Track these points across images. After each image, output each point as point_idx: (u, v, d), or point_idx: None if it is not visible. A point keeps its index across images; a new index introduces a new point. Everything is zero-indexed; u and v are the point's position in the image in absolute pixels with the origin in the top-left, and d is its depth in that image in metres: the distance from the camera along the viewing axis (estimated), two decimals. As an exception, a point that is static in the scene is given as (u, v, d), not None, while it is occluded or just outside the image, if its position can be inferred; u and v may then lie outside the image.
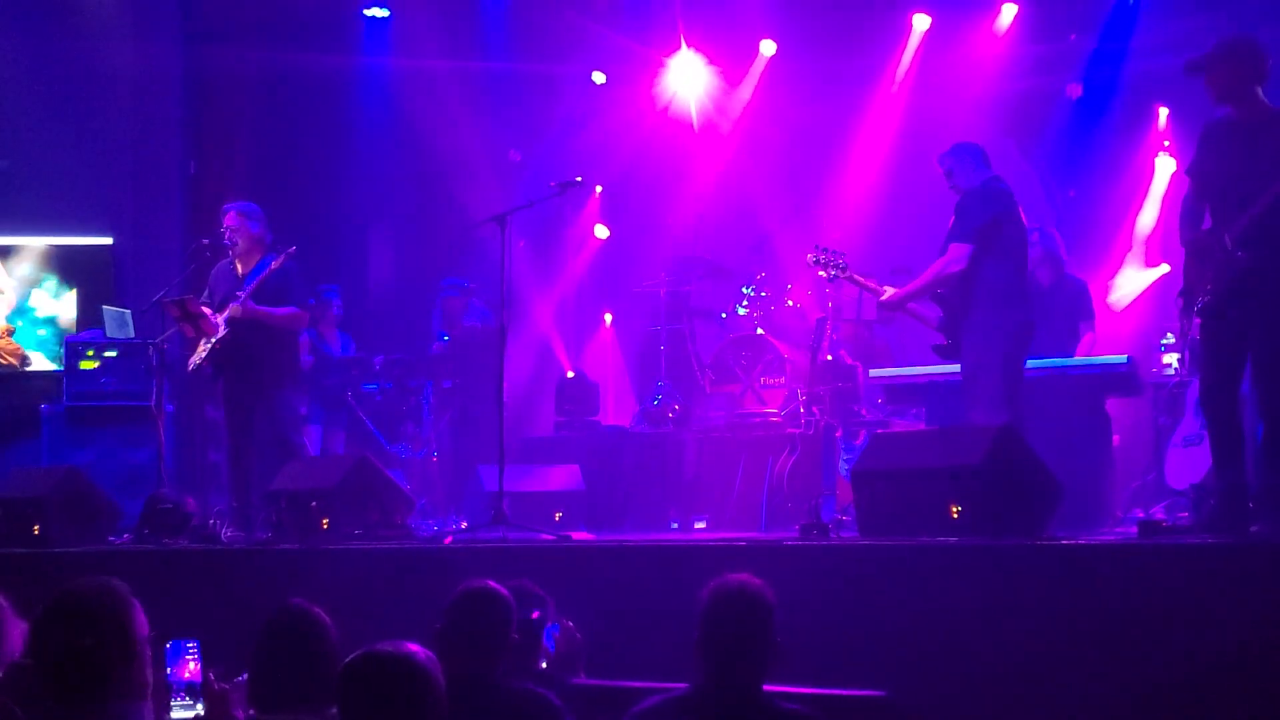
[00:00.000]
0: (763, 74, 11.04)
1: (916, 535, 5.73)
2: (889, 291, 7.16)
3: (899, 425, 8.56)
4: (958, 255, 6.86)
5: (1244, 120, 5.92)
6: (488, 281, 9.71)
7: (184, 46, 10.81)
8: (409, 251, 11.35)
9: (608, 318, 11.15)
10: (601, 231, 11.46)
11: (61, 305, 10.56)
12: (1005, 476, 5.74)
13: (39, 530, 7.45)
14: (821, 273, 7.43)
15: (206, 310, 8.06)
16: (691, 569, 5.70)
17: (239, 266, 8.19)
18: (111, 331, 9.46)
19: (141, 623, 3.32)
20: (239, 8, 10.71)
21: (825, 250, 7.44)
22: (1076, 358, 8.08)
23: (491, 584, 4.49)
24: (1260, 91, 5.95)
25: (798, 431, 8.59)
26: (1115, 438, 7.95)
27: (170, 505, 7.75)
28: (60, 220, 10.54)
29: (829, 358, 8.92)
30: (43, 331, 10.53)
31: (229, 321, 7.98)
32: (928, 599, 5.34)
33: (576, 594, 5.84)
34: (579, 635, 5.09)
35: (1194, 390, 7.80)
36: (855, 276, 7.33)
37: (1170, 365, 8.56)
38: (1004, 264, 6.88)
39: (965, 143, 7.22)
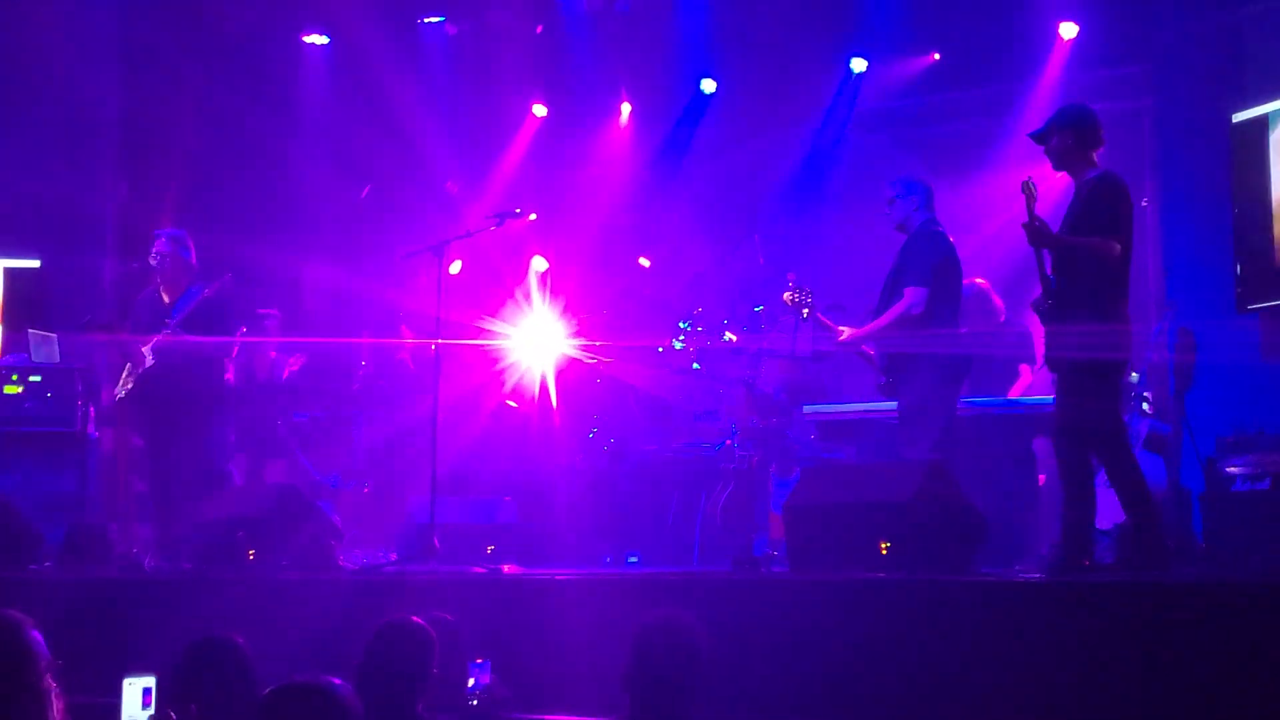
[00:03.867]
0: (702, 112, 11.11)
1: (846, 570, 5.76)
2: (846, 332, 7.18)
3: (829, 461, 8.60)
4: (917, 299, 6.95)
5: (1076, 184, 6.19)
6: (420, 311, 9.72)
7: (120, 68, 10.70)
8: (344, 279, 11.27)
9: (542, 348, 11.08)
10: (539, 264, 11.44)
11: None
12: (933, 513, 5.81)
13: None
14: (790, 303, 7.34)
15: (133, 338, 7.96)
16: (623, 602, 5.72)
17: (165, 295, 8.10)
18: (37, 356, 9.30)
19: (41, 654, 3.28)
20: (177, 31, 10.62)
21: (798, 287, 7.37)
22: (1010, 397, 8.16)
23: (414, 618, 4.46)
24: (1094, 157, 6.15)
25: (731, 466, 8.60)
26: (1041, 477, 8.03)
27: (92, 532, 7.62)
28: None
29: (764, 393, 8.95)
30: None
31: (155, 350, 7.87)
32: (857, 633, 5.38)
33: (508, 627, 5.83)
34: (505, 690, 5.06)
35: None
36: (819, 315, 7.32)
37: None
38: (944, 307, 6.98)
39: (917, 180, 7.29)
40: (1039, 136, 6.32)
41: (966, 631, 5.18)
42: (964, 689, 5.09)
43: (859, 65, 10.67)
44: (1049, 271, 6.08)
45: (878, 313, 7.18)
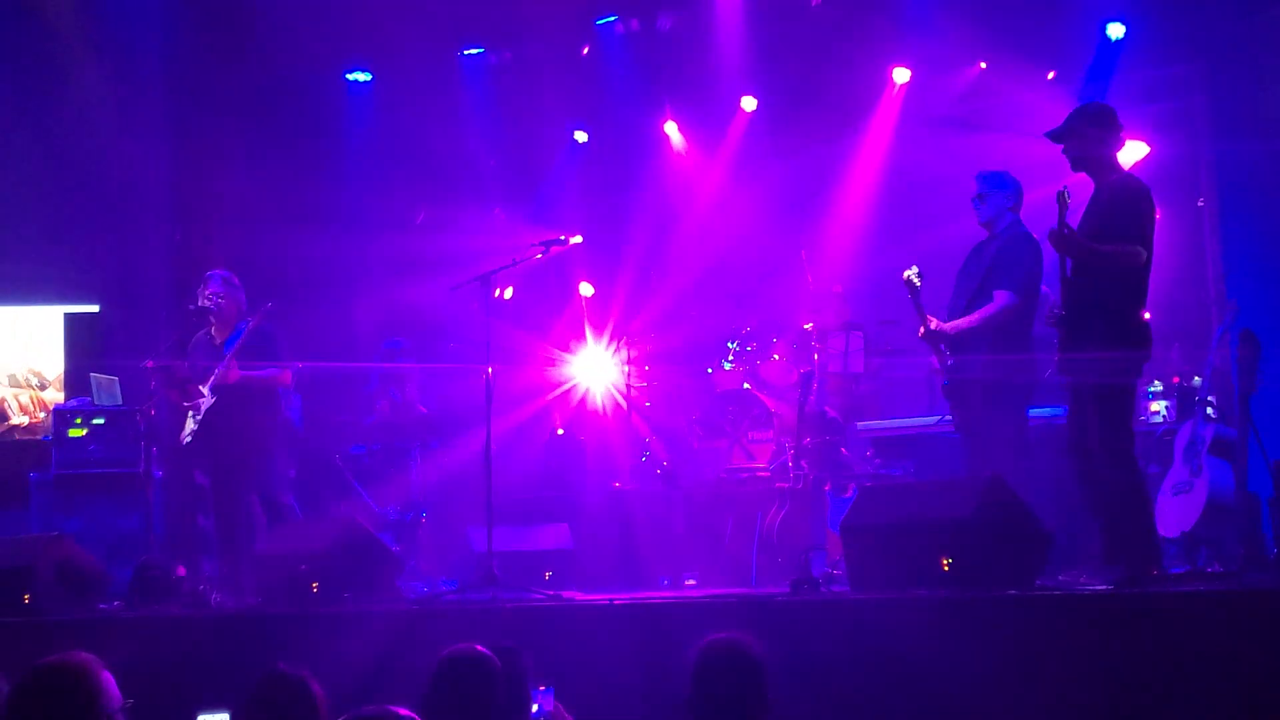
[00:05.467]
0: (744, 130, 11.12)
1: (908, 589, 5.72)
2: (935, 322, 7.04)
3: (888, 478, 8.56)
4: (1008, 304, 6.89)
5: (1096, 187, 6.15)
6: (470, 341, 9.77)
7: (169, 115, 10.85)
8: (394, 312, 11.34)
9: (593, 373, 11.12)
10: (586, 289, 11.49)
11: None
12: (996, 528, 5.76)
13: (29, 599, 7.38)
14: (910, 281, 7.13)
15: (192, 378, 8.07)
16: (682, 626, 5.72)
17: (216, 336, 8.20)
18: (99, 399, 9.44)
19: (112, 695, 3.34)
20: (223, 75, 10.76)
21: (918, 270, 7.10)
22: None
23: (477, 647, 4.48)
24: (1115, 158, 6.11)
25: (786, 486, 8.58)
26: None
27: (159, 571, 7.72)
28: (49, 289, 10.52)
29: (816, 411, 8.93)
30: None
31: (214, 389, 7.97)
32: (920, 652, 5.34)
33: (568, 653, 5.84)
34: (567, 717, 5.07)
35: (1182, 437, 7.83)
36: (919, 300, 7.08)
37: (1158, 413, 8.59)
38: (1027, 316, 6.93)
39: (1008, 176, 7.21)
40: (1056, 135, 6.26)
41: (1034, 648, 5.14)
42: (1032, 707, 5.04)
43: (902, 76, 10.63)
44: (1069, 274, 6.04)
45: (955, 312, 7.11)
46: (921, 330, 7.07)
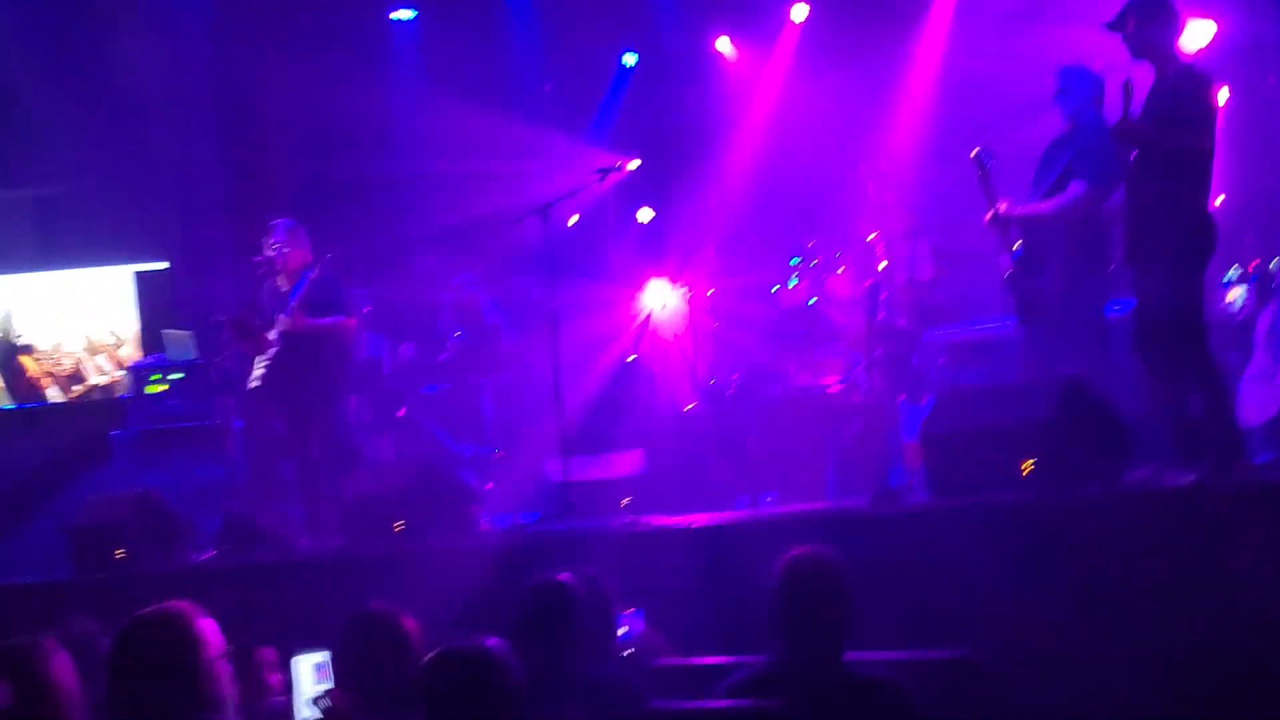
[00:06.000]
0: (797, 39, 10.95)
1: (988, 494, 5.68)
2: (1004, 205, 6.86)
3: (963, 384, 8.48)
4: (1085, 194, 6.70)
5: (1157, 76, 5.99)
6: (533, 270, 9.76)
7: (224, 69, 10.88)
8: (450, 249, 11.36)
9: (658, 298, 11.09)
10: (644, 214, 11.42)
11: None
12: (1077, 428, 5.68)
13: (122, 553, 7.56)
14: (978, 159, 6.95)
15: (261, 327, 8.14)
16: (762, 543, 5.70)
17: (282, 285, 8.27)
18: (174, 354, 9.56)
19: (213, 641, 3.39)
20: (265, 20, 10.75)
21: (987, 148, 6.93)
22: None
23: (560, 575, 4.52)
24: (1175, 46, 5.93)
25: (859, 399, 8.54)
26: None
27: (245, 519, 7.85)
28: (119, 248, 10.65)
29: (886, 322, 8.84)
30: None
31: (281, 335, 8.04)
32: (1003, 557, 5.31)
33: (651, 577, 5.87)
34: (658, 637, 5.11)
35: (1263, 323, 7.67)
36: (989, 182, 6.91)
37: (1234, 301, 8.43)
38: (1100, 214, 6.78)
39: (1090, 70, 6.98)
40: (1115, 24, 6.09)
41: (1120, 547, 5.09)
42: (1122, 606, 5.00)
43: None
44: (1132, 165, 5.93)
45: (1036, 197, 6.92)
46: (990, 214, 6.91)
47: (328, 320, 8.10)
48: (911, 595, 5.36)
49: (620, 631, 4.95)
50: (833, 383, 9.05)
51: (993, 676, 4.80)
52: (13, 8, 10.50)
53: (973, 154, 6.84)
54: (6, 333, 10.70)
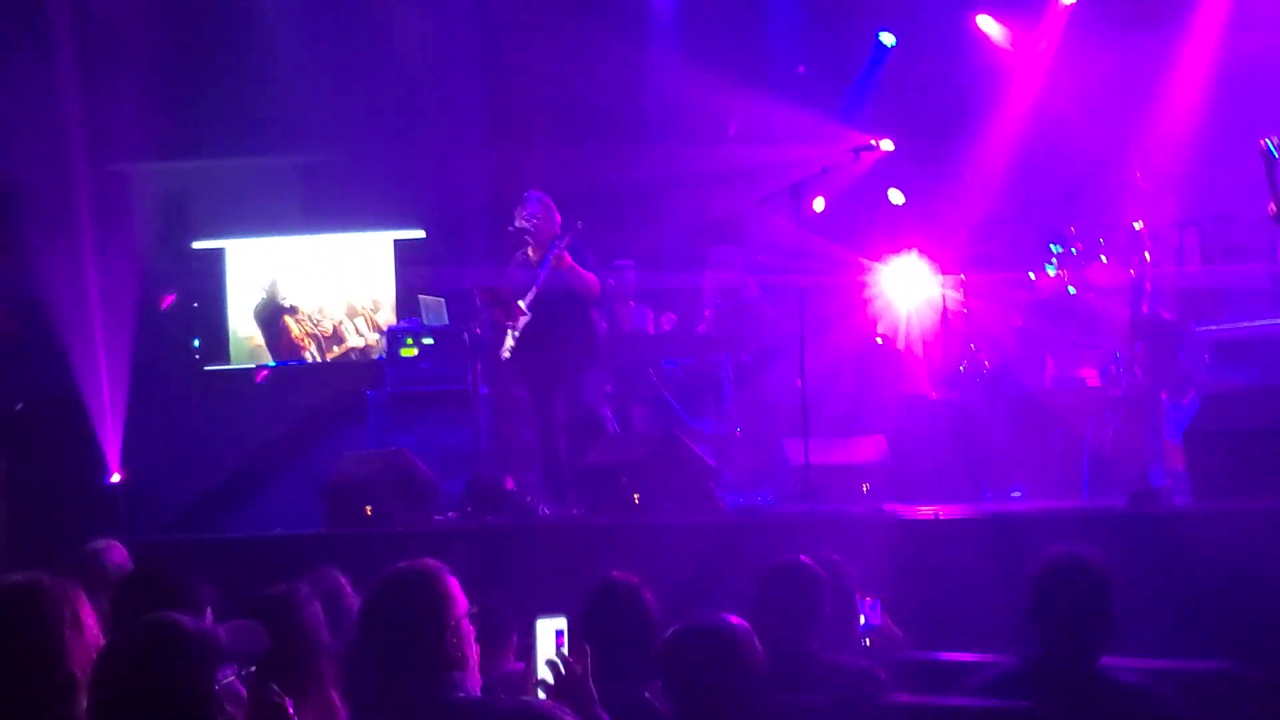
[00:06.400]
0: (1062, 21, 10.55)
1: (1257, 499, 5.35)
2: None
3: (1231, 383, 8.05)
4: None
5: None
6: (781, 252, 9.65)
7: (482, 44, 11.10)
8: (702, 223, 11.35)
9: (906, 283, 10.87)
10: (897, 196, 11.20)
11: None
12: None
13: (371, 511, 7.78)
14: (1270, 150, 6.59)
15: (514, 297, 8.28)
16: (1014, 539, 5.57)
17: (533, 255, 8.38)
18: (428, 320, 9.82)
19: (459, 600, 3.42)
20: (531, 2, 10.93)
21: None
22: None
23: (803, 558, 4.46)
24: None
25: (1118, 394, 8.21)
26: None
27: (489, 483, 8.00)
28: (380, 216, 11.01)
29: (1149, 315, 8.45)
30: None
31: (530, 305, 8.16)
32: (1271, 564, 5.00)
33: (892, 566, 5.74)
34: (896, 629, 4.98)
35: None
36: (1276, 174, 6.56)
37: None
38: None
39: None
40: None
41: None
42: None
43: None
44: None
45: None
46: (1273, 208, 6.50)
47: (586, 273, 8.19)
48: (1171, 601, 5.10)
49: (860, 621, 4.85)
50: (1091, 375, 8.74)
51: (1258, 690, 4.52)
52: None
53: (1262, 144, 6.43)
54: (273, 295, 11.17)
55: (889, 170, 10.97)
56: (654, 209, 11.33)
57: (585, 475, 7.65)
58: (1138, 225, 8.61)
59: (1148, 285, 8.35)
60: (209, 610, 3.80)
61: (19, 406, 9.89)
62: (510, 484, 8.09)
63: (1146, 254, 8.50)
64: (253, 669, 3.07)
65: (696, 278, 10.22)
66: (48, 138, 10.52)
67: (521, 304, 8.20)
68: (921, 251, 10.60)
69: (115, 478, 9.92)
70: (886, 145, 9.80)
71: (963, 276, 9.92)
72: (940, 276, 9.93)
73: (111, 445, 9.99)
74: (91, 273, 10.39)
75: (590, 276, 8.25)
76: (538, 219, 8.34)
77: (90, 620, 3.05)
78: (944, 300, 9.91)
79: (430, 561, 3.51)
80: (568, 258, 8.10)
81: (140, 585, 3.92)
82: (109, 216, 11.07)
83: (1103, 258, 9.13)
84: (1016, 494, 8.56)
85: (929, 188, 10.93)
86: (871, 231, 11.26)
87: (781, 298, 9.53)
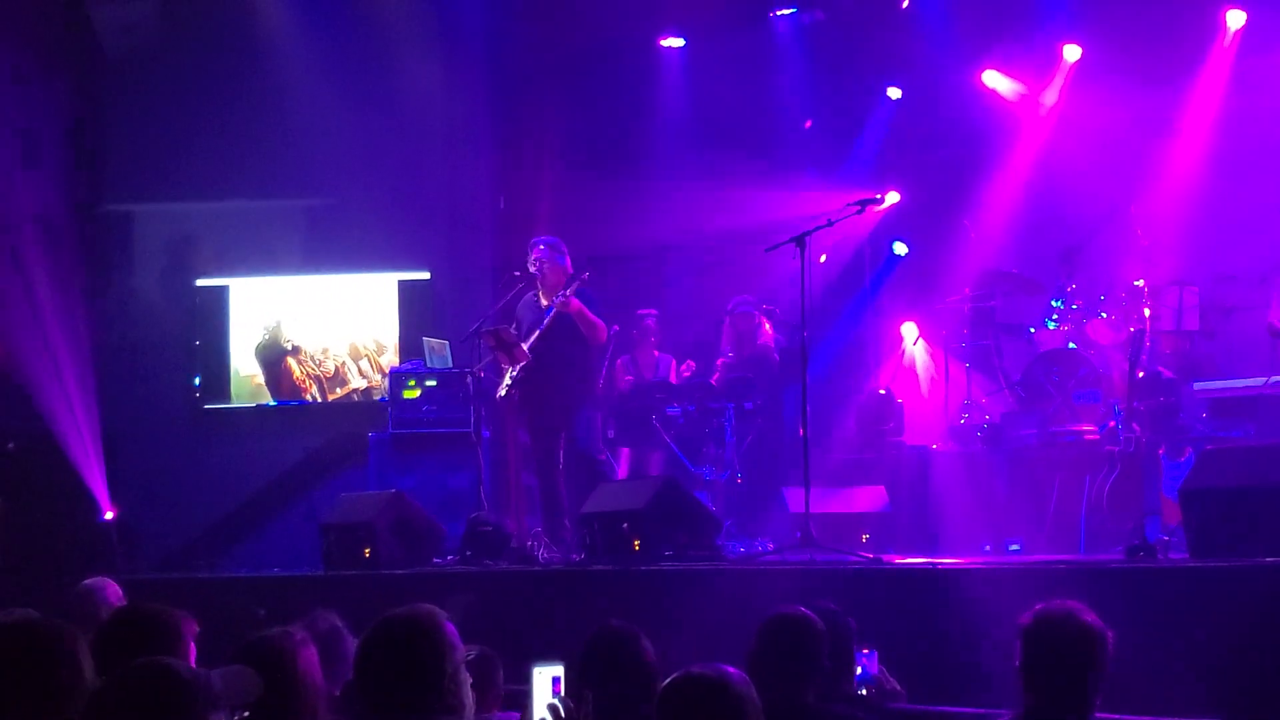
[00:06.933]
0: (1067, 79, 10.66)
1: (1254, 556, 5.39)
2: None
3: (1228, 441, 8.10)
4: None
5: None
6: (782, 300, 9.72)
7: (490, 89, 11.19)
8: (707, 274, 11.43)
9: (909, 334, 10.95)
10: (900, 249, 11.29)
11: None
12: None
13: (369, 553, 7.81)
14: None
15: (518, 339, 8.34)
16: (1008, 593, 5.56)
17: (542, 299, 8.44)
18: (432, 362, 9.85)
19: (457, 646, 3.45)
20: (538, 43, 11.03)
21: None
22: None
23: (802, 609, 4.47)
24: None
25: (1116, 449, 8.25)
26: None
27: (491, 528, 8.03)
28: (385, 257, 11.07)
29: (1149, 372, 8.51)
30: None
31: (533, 349, 8.23)
32: (1267, 623, 5.03)
33: (890, 617, 5.77)
34: (899, 686, 5.01)
35: None
36: None
37: None
38: None
39: None
40: None
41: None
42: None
43: (1236, 20, 9.98)
44: None
45: None
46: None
47: (592, 316, 8.27)
48: (1166, 657, 5.12)
49: (857, 672, 4.88)
50: (1090, 430, 8.77)
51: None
52: (297, 31, 10.99)
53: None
54: (276, 337, 11.20)
55: (894, 222, 11.07)
56: (674, 256, 11.40)
57: (586, 521, 7.69)
58: (1139, 282, 8.69)
59: (1147, 342, 8.43)
60: (193, 647, 3.79)
61: (10, 445, 9.89)
62: (510, 528, 8.13)
63: (1146, 310, 8.58)
64: (245, 715, 3.07)
65: (717, 326, 10.28)
66: (50, 173, 10.64)
67: (525, 346, 8.27)
68: (924, 304, 10.69)
69: (108, 515, 9.95)
70: (892, 198, 9.93)
71: (965, 330, 9.99)
72: (943, 329, 9.99)
73: (97, 483, 10.01)
74: (81, 310, 10.48)
75: (597, 322, 8.34)
76: (546, 263, 8.43)
77: (86, 663, 3.06)
78: (946, 351, 9.97)
79: (425, 607, 3.53)
80: (575, 302, 8.18)
81: (124, 625, 3.87)
82: (110, 254, 11.16)
83: (1104, 314, 9.21)
84: (1015, 547, 8.59)
85: (932, 240, 11.01)
86: (875, 283, 11.36)
87: (788, 347, 9.60)
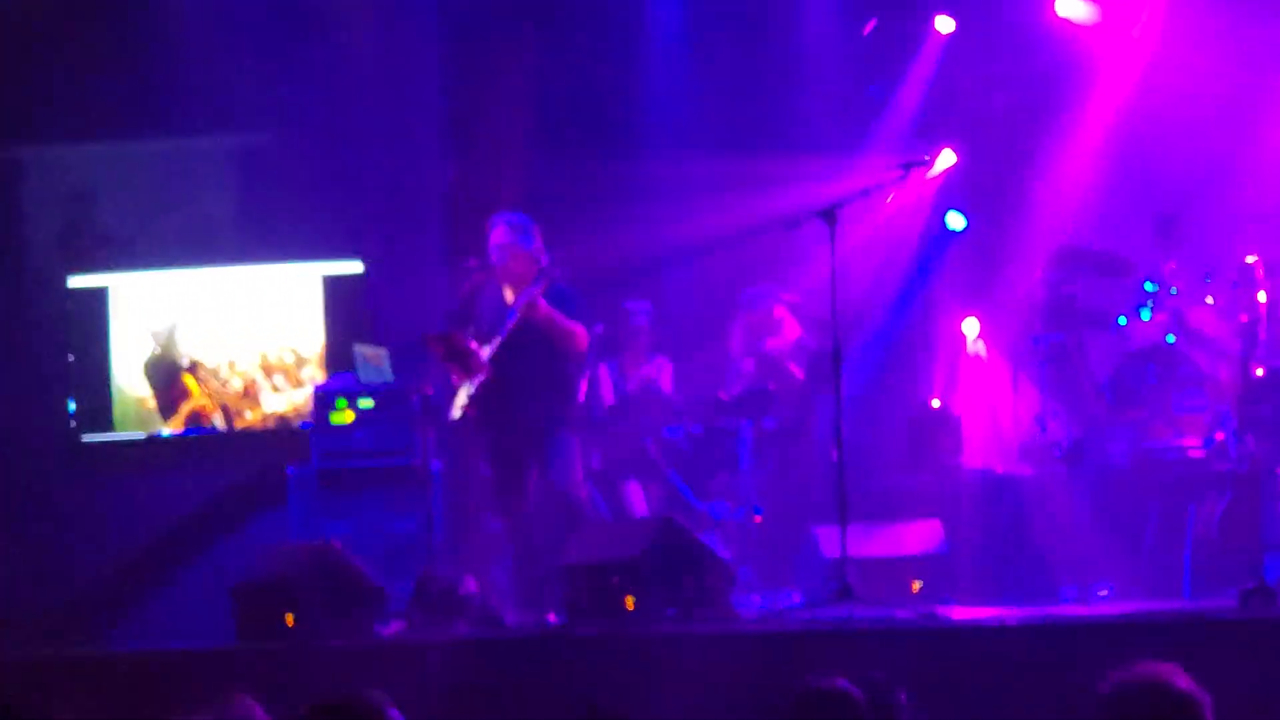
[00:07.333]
0: (1162, 22, 10.72)
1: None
2: None
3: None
4: None
5: None
6: (808, 291, 9.83)
7: (443, 31, 11.16)
8: (715, 261, 11.47)
9: (970, 331, 11.03)
10: (956, 222, 11.35)
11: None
12: None
13: (293, 620, 7.86)
14: None
15: (475, 346, 8.40)
16: (1094, 651, 5.66)
17: (507, 294, 8.52)
18: (366, 376, 9.85)
19: None
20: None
21: None
22: None
23: (840, 681, 4.52)
24: None
25: (1227, 468, 8.35)
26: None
27: (445, 585, 8.07)
28: (305, 244, 11.03)
29: (1266, 370, 8.61)
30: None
31: (494, 359, 8.32)
32: None
33: (950, 685, 5.85)
34: None
35: None
36: None
37: None
38: None
39: None
40: None
41: None
42: None
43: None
44: None
45: None
46: None
47: (566, 321, 8.33)
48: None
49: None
50: (1194, 445, 8.87)
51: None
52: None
53: None
54: (169, 349, 11.16)
55: (948, 190, 11.13)
56: (673, 239, 11.45)
57: (565, 574, 7.75)
58: (1251, 259, 8.78)
59: (1263, 333, 8.51)
60: None
61: None
62: (471, 585, 8.17)
63: (1262, 294, 8.66)
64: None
65: (724, 324, 10.37)
66: None
67: (484, 355, 8.33)
68: (987, 293, 10.76)
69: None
70: (945, 159, 9.98)
71: (1039, 323, 10.06)
72: (1011, 325, 10.08)
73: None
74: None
75: (574, 327, 8.40)
76: (509, 249, 8.49)
77: None
78: (1016, 349, 10.05)
79: (365, 693, 3.58)
80: (543, 305, 8.24)
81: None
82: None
83: (1209, 299, 9.29)
84: (1103, 593, 8.69)
85: (996, 212, 11.09)
86: (927, 263, 11.41)
87: (817, 349, 9.67)
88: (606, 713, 4.19)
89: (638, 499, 10.07)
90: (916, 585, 8.56)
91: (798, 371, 10.08)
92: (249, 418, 11.12)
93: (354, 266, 10.98)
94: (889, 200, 9.07)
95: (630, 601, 7.26)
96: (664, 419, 10.07)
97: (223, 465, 10.91)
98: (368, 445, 9.64)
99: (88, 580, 10.73)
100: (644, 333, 10.27)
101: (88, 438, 11.16)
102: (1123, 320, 9.71)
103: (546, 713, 5.07)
